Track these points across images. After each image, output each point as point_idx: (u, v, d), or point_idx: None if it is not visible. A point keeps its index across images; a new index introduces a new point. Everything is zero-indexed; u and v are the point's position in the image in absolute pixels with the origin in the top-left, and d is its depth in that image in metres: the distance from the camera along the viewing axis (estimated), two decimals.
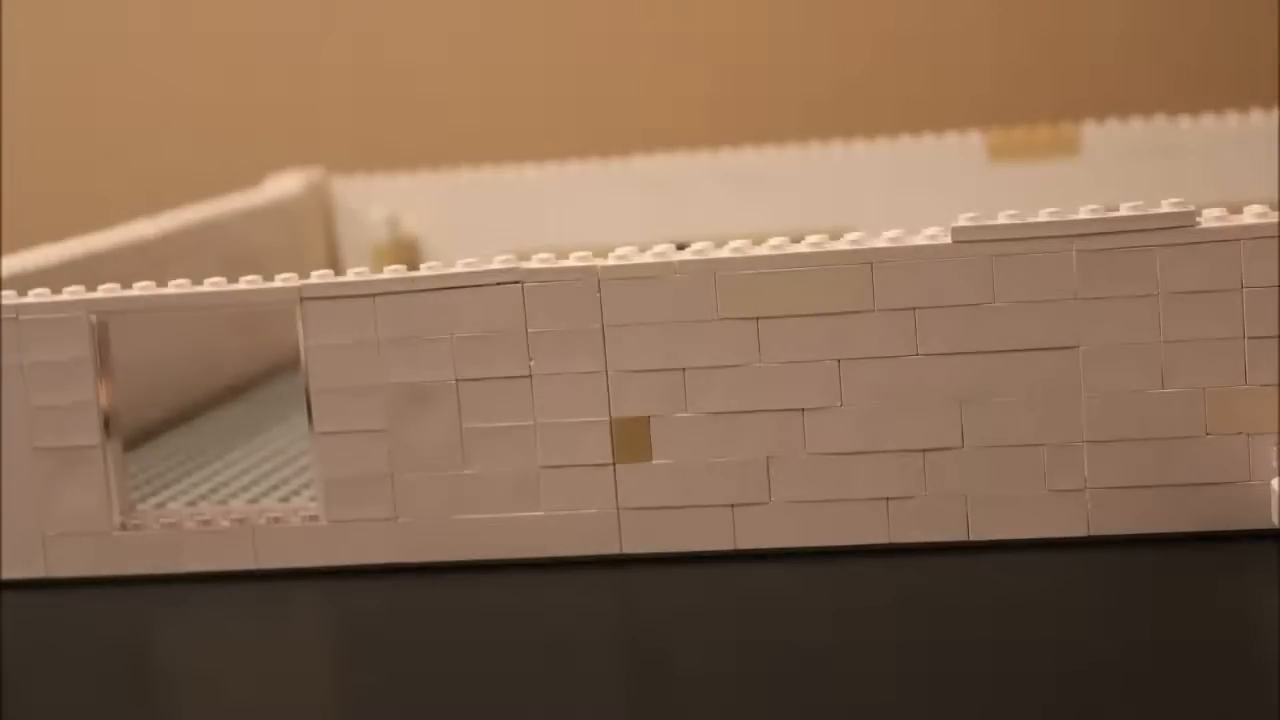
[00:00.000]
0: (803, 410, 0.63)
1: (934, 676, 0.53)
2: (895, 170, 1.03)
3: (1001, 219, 0.62)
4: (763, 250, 0.63)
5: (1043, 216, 0.62)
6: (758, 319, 0.63)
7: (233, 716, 0.55)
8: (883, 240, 0.62)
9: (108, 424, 0.66)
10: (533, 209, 1.06)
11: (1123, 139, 1.02)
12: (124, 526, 0.67)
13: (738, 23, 1.27)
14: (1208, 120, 1.01)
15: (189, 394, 0.90)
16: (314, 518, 0.66)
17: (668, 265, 0.63)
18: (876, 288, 0.62)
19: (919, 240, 0.62)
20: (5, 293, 0.67)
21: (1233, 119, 1.01)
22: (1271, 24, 1.20)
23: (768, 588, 0.61)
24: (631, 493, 0.64)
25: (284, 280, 0.65)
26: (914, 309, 0.62)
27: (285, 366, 0.94)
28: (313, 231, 1.07)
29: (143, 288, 0.66)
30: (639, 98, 1.27)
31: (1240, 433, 0.61)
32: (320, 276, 0.65)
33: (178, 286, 0.66)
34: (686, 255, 0.63)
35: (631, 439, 0.64)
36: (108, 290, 0.66)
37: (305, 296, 0.65)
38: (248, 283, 0.66)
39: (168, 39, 1.33)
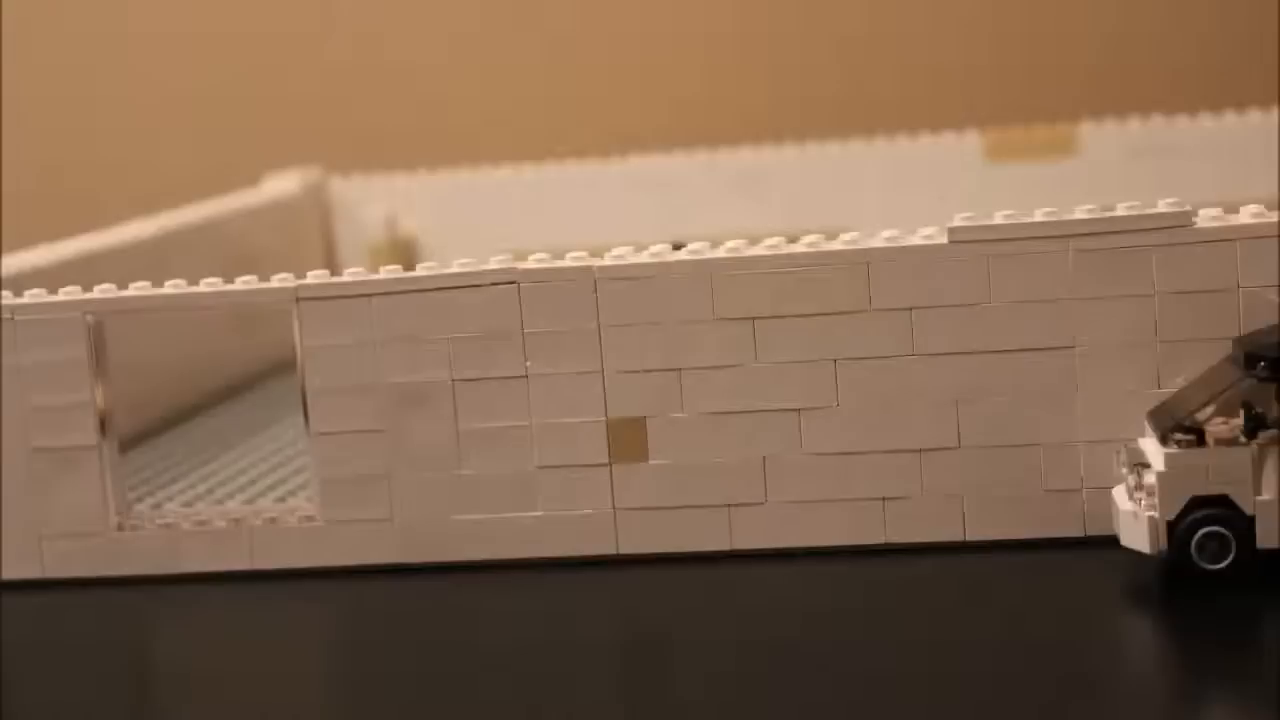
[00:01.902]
0: (799, 410, 0.63)
1: (932, 676, 0.53)
2: (892, 170, 1.03)
3: (998, 219, 0.62)
4: (759, 250, 0.63)
5: (1039, 216, 0.62)
6: (754, 319, 0.63)
7: (231, 717, 0.55)
8: (879, 240, 0.62)
9: (104, 424, 0.66)
10: (531, 209, 1.06)
11: (1120, 139, 1.02)
12: (121, 527, 0.67)
13: (737, 23, 1.27)
14: (1206, 120, 1.01)
15: (185, 394, 0.90)
16: (310, 518, 0.66)
17: (664, 265, 0.63)
18: (873, 288, 0.62)
19: (915, 240, 0.62)
20: (1, 293, 0.67)
21: (1231, 119, 1.01)
22: (1271, 24, 1.20)
23: (765, 588, 0.61)
24: (628, 493, 0.64)
25: (280, 280, 0.65)
26: (910, 309, 0.62)
27: (282, 367, 0.94)
28: (311, 231, 1.07)
29: (139, 288, 0.66)
30: (637, 98, 1.27)
31: None
32: (316, 277, 0.65)
33: (174, 286, 0.66)
34: (682, 255, 0.63)
35: (628, 439, 0.64)
36: (104, 290, 0.66)
37: (301, 297, 0.65)
38: (244, 283, 0.66)
39: (167, 39, 1.33)
